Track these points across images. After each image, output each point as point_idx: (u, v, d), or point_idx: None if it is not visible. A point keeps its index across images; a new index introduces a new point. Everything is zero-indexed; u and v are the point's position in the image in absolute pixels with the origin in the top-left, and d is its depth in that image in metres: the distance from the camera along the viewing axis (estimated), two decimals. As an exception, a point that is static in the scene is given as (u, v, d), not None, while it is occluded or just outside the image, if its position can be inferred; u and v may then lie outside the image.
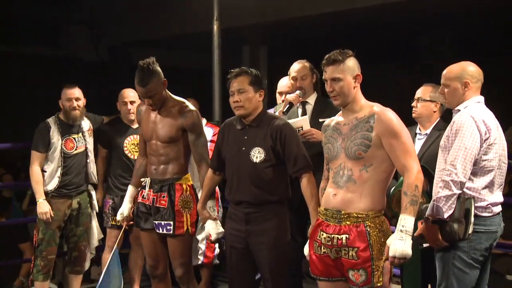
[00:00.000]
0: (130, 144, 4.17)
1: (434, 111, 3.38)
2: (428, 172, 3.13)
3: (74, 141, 4.04)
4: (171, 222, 3.26)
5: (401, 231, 2.48)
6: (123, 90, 4.24)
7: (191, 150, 3.31)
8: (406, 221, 2.49)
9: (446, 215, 2.67)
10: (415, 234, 2.72)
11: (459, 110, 2.86)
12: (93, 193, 4.20)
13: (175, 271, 3.36)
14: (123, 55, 8.45)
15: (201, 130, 3.32)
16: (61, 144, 3.99)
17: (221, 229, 3.16)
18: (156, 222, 3.31)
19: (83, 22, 8.35)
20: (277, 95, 3.92)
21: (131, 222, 3.65)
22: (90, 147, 4.14)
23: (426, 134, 3.38)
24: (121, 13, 7.90)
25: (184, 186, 3.32)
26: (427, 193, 3.17)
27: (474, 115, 2.76)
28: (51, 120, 4.04)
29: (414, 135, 3.41)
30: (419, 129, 3.44)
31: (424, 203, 3.17)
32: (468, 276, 2.77)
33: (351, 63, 2.65)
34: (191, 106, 3.33)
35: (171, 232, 3.27)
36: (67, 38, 8.58)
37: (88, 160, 4.11)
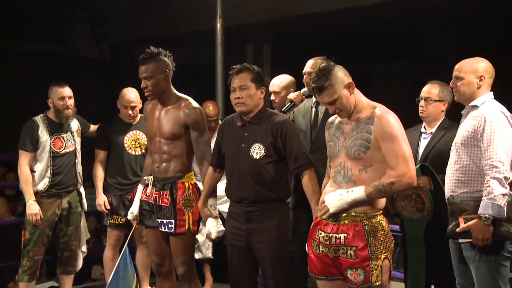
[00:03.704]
0: (131, 140, 4.16)
1: (442, 110, 3.35)
2: (430, 171, 3.10)
3: (63, 140, 3.98)
4: (173, 221, 3.25)
5: (347, 192, 2.53)
6: (124, 91, 4.18)
7: (194, 148, 3.29)
8: (357, 192, 2.52)
9: (504, 214, 2.65)
10: (457, 230, 2.73)
11: (475, 106, 2.85)
12: (83, 191, 4.16)
13: (177, 269, 3.35)
14: (126, 52, 8.43)
15: (204, 128, 3.30)
16: (50, 143, 3.92)
17: (222, 228, 3.16)
18: (159, 220, 3.30)
19: (86, 19, 8.34)
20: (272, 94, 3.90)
21: None
22: (79, 147, 4.10)
23: (431, 133, 3.35)
24: (123, 11, 7.88)
25: (186, 184, 3.29)
26: (430, 192, 3.14)
27: (504, 110, 2.76)
28: (39, 119, 3.96)
29: (419, 134, 3.39)
30: (424, 127, 3.40)
31: (428, 202, 3.15)
32: (507, 268, 2.78)
33: (338, 77, 2.61)
34: (194, 103, 3.31)
35: (173, 230, 3.25)
36: (69, 35, 8.56)
37: (76, 161, 4.07)
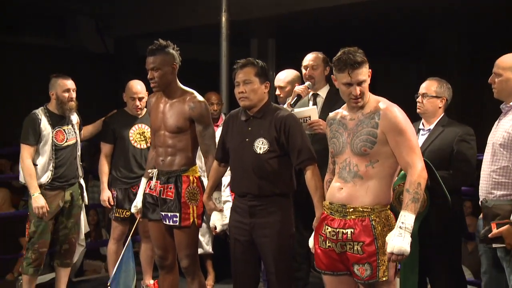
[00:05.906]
0: (136, 134, 4.16)
1: (440, 107, 3.34)
2: (429, 167, 3.09)
3: (65, 133, 3.97)
4: (177, 214, 3.26)
5: (400, 227, 2.46)
6: (130, 83, 4.20)
7: (198, 141, 3.30)
8: (406, 218, 2.47)
9: None
10: (489, 235, 2.68)
11: None
12: (83, 184, 4.16)
13: (181, 262, 3.37)
14: (130, 47, 8.44)
15: (209, 121, 3.32)
16: (52, 136, 3.91)
17: (227, 221, 3.18)
18: (163, 213, 3.32)
19: (90, 13, 8.33)
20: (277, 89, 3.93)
21: None
22: (79, 140, 4.09)
23: (429, 129, 3.36)
24: (128, 5, 7.87)
25: (191, 178, 3.31)
26: (427, 188, 3.13)
27: None
28: (40, 112, 3.95)
29: (417, 131, 3.38)
30: (423, 124, 3.41)
31: (426, 199, 3.13)
32: None
33: (367, 62, 2.61)
34: (199, 96, 3.32)
35: (177, 223, 3.27)
36: (73, 29, 8.55)
37: (78, 153, 4.06)
